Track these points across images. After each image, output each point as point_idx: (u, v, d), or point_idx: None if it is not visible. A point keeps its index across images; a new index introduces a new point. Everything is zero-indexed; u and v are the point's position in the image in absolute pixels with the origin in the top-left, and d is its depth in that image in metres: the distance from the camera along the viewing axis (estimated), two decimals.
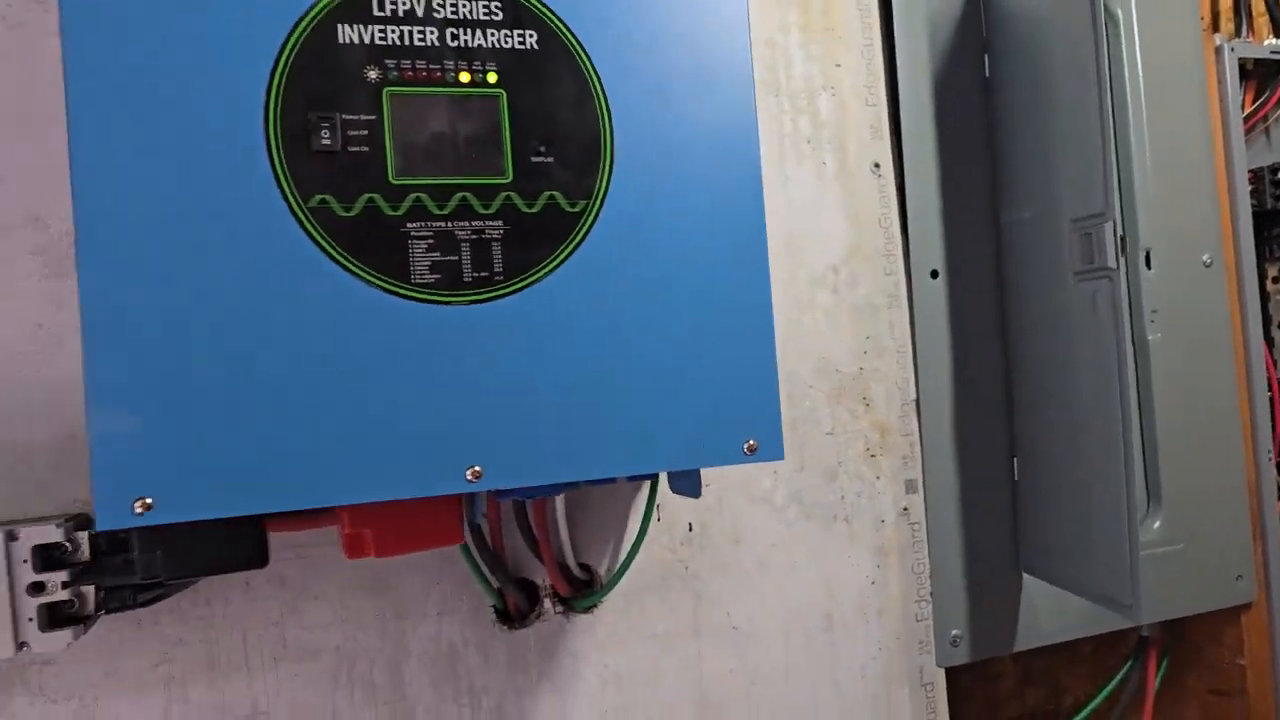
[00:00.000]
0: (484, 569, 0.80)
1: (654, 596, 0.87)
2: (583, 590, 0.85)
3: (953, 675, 1.05)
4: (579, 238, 0.64)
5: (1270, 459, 1.15)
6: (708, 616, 0.89)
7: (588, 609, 0.86)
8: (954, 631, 0.97)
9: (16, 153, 0.74)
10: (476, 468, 0.61)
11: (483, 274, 0.62)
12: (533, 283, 0.63)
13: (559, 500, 0.81)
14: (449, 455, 0.60)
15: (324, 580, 0.79)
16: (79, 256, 0.55)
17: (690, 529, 0.89)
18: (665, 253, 0.65)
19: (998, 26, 1.00)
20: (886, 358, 0.96)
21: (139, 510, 0.56)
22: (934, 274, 0.98)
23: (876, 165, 0.97)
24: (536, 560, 0.83)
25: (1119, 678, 1.15)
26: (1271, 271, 1.26)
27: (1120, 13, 1.10)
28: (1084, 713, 1.16)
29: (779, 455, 0.67)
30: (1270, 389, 1.19)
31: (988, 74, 1.01)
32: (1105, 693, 1.16)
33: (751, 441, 0.66)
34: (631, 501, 0.87)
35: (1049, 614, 1.02)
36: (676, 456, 0.65)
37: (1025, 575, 1.01)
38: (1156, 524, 1.08)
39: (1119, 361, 0.81)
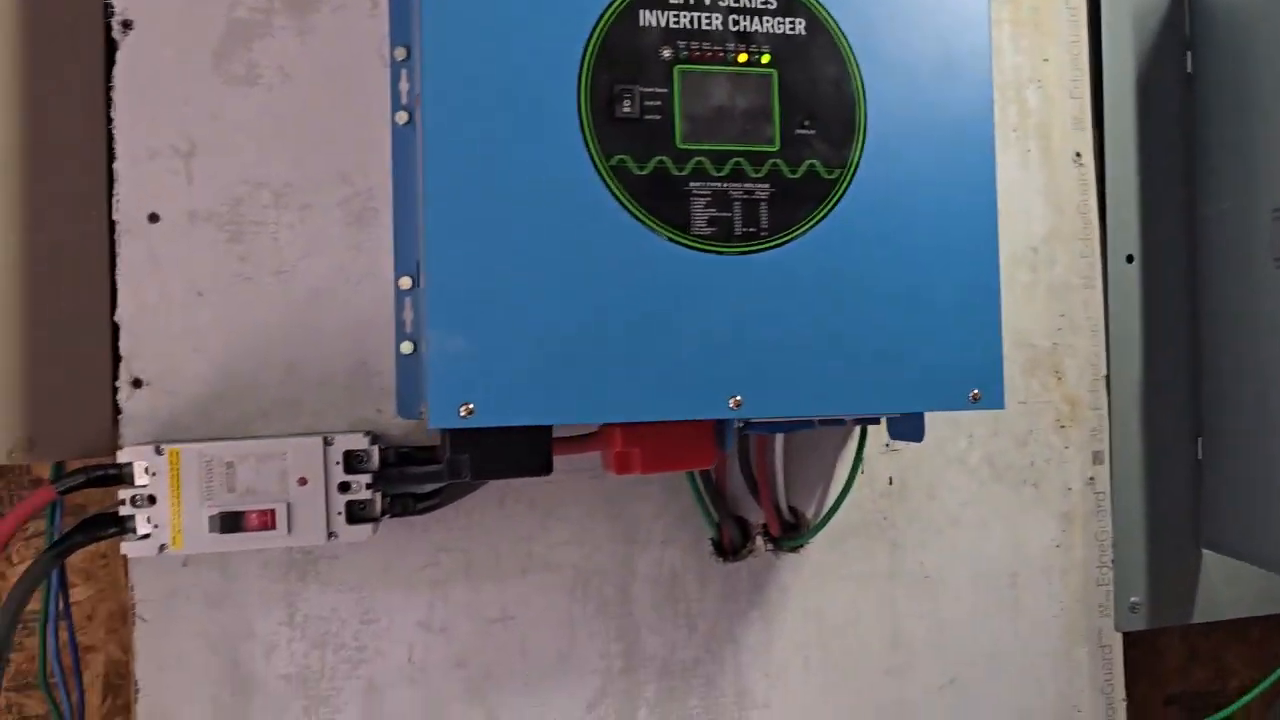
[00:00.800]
0: (707, 503, 0.90)
1: (855, 542, 0.95)
2: (791, 532, 0.94)
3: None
4: (834, 201, 0.72)
5: None
6: (902, 564, 0.96)
7: (795, 549, 0.94)
8: (1133, 598, 1.03)
9: (332, 120, 0.87)
10: (738, 397, 0.70)
11: (751, 229, 0.71)
12: (793, 239, 0.72)
13: (778, 446, 0.90)
14: (716, 384, 0.70)
15: (567, 505, 0.90)
16: (426, 199, 0.67)
17: (890, 482, 0.97)
18: (906, 218, 0.73)
19: (1202, 24, 1.04)
20: (1079, 335, 1.02)
21: (463, 414, 0.67)
22: (1129, 259, 1.03)
23: (1078, 155, 1.03)
24: (753, 500, 0.92)
25: None
26: None
27: None
28: (1250, 696, 1.19)
29: (999, 405, 0.74)
30: None
31: (1189, 69, 1.06)
32: (1273, 678, 1.19)
33: (976, 391, 0.74)
34: (839, 454, 0.95)
35: (1226, 589, 1.06)
36: (910, 399, 0.73)
37: (1205, 551, 1.05)
38: None
39: None
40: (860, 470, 0.96)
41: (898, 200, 0.73)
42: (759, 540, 0.94)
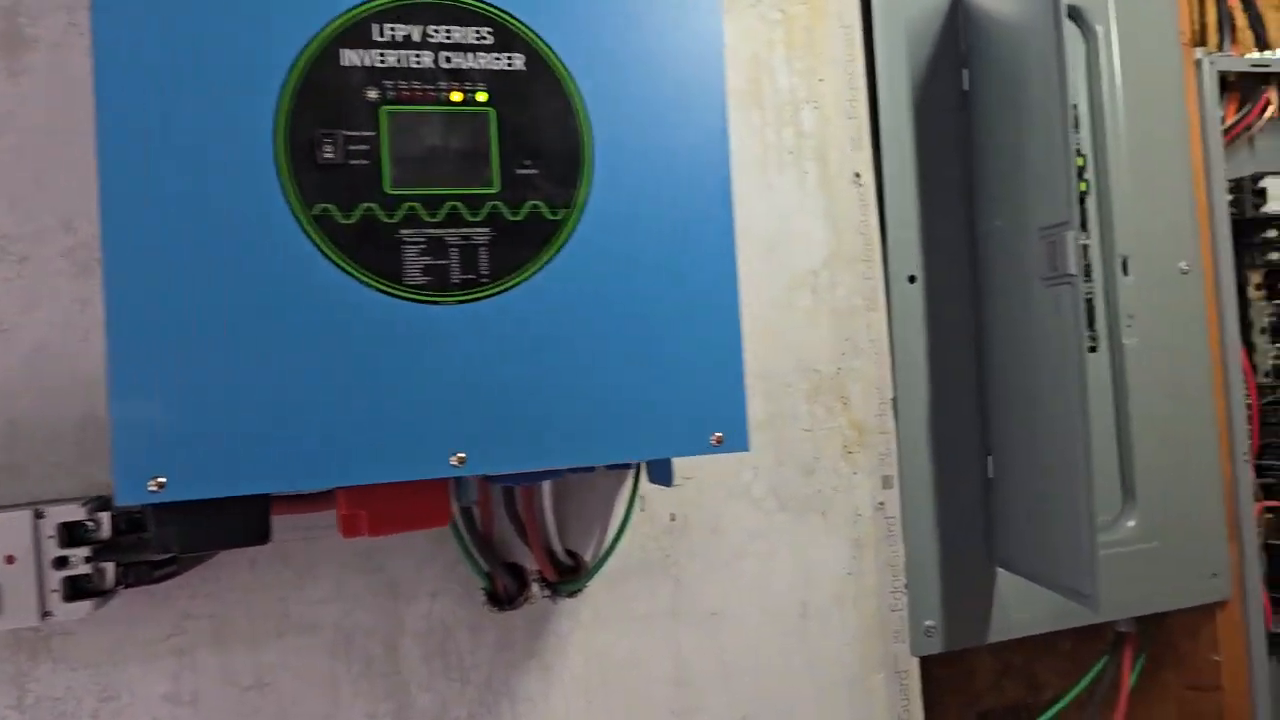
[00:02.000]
0: (474, 552, 0.86)
1: (636, 582, 0.92)
2: (569, 575, 0.91)
3: (931, 667, 1.09)
4: (560, 244, 0.69)
5: (1246, 460, 1.19)
6: (687, 601, 0.94)
7: (574, 593, 0.91)
8: (928, 622, 1.02)
9: (51, 164, 0.80)
10: (460, 454, 0.66)
11: (470, 276, 0.67)
12: (516, 284, 0.68)
13: (546, 488, 0.86)
14: (436, 442, 0.66)
15: (324, 560, 0.85)
16: (105, 257, 0.61)
17: (672, 519, 0.94)
18: (639, 258, 0.70)
19: (975, 41, 1.04)
20: (864, 359, 1.01)
21: (153, 488, 0.61)
22: (911, 279, 1.02)
23: (857, 175, 1.02)
24: (525, 545, 0.88)
25: (1094, 672, 1.19)
26: (1254, 278, 1.29)
27: (1100, 28, 1.14)
28: (1059, 706, 1.21)
29: (744, 447, 0.72)
30: (1247, 392, 1.23)
31: (965, 87, 1.06)
32: (1081, 686, 1.21)
33: (718, 434, 0.71)
34: (616, 492, 0.92)
35: (1021, 607, 1.06)
36: (647, 447, 0.70)
37: (999, 569, 1.05)
38: (1131, 522, 1.12)
39: (1079, 365, 0.85)
40: (640, 508, 0.93)
41: (630, 240, 0.70)
42: (535, 587, 0.90)
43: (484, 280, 0.67)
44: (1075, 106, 1.14)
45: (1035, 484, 0.96)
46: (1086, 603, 0.87)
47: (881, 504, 1.01)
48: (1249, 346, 1.28)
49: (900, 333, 1.02)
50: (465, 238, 0.67)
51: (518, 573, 0.90)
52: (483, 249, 0.67)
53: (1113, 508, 1.13)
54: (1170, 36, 1.18)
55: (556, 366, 0.68)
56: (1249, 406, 1.22)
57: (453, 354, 0.66)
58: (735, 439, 0.71)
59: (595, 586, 0.92)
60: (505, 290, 0.68)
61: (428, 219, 0.67)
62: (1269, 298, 1.30)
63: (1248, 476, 1.19)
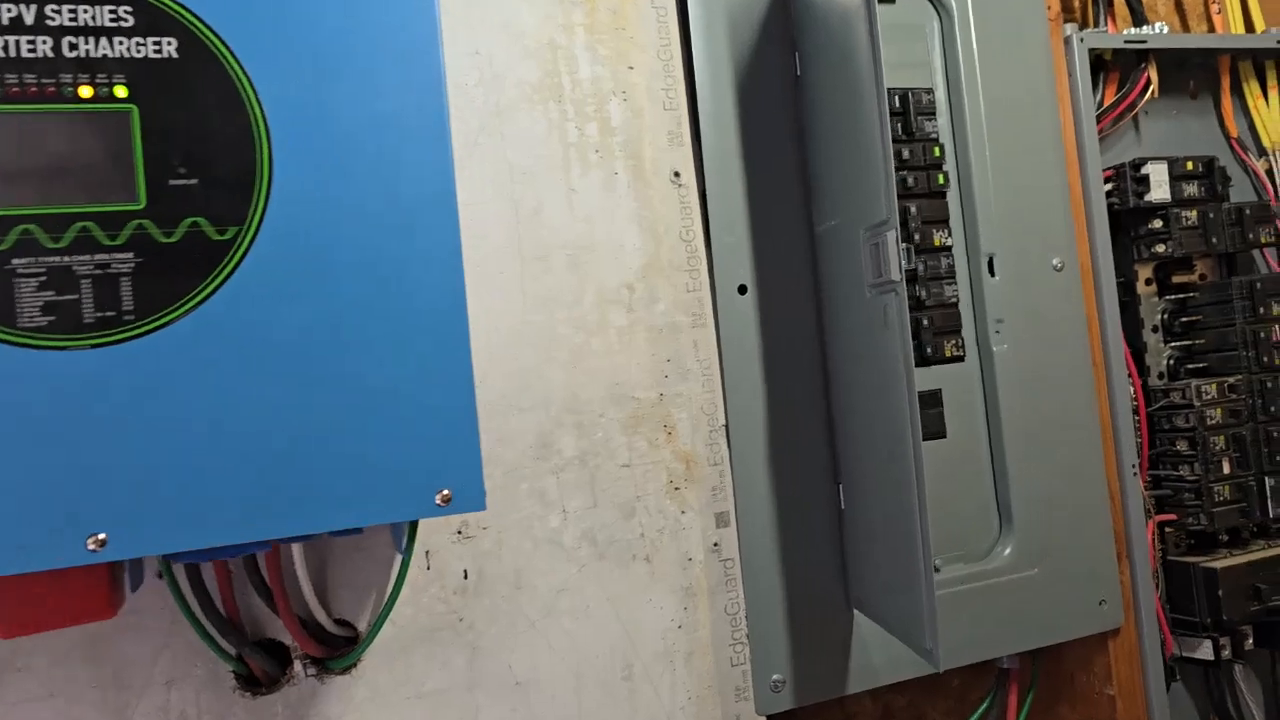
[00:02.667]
0: (214, 634, 0.73)
1: (423, 652, 0.80)
2: (341, 649, 0.78)
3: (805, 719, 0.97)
4: (228, 269, 0.56)
5: (1134, 472, 1.08)
6: (487, 671, 0.81)
7: (345, 669, 0.78)
8: (775, 676, 0.90)
9: None
10: (100, 535, 0.53)
11: (109, 314, 0.54)
12: (170, 321, 0.55)
13: (296, 551, 0.73)
14: (66, 521, 0.53)
15: (31, 652, 0.71)
16: None
17: (465, 576, 0.81)
18: (334, 284, 0.57)
19: (804, 20, 0.93)
20: (690, 381, 0.89)
21: None
22: (742, 289, 0.90)
23: (676, 174, 0.90)
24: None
25: (978, 714, 1.07)
26: (1143, 273, 1.19)
27: (956, 4, 1.03)
28: None
29: (479, 505, 0.59)
30: (1134, 396, 1.12)
31: (798, 72, 0.94)
32: None
33: (445, 491, 0.59)
34: (395, 549, 0.79)
35: (884, 649, 0.94)
36: (350, 512, 0.57)
37: (857, 612, 0.93)
38: (1008, 550, 1.01)
39: (906, 383, 0.74)
40: (425, 565, 0.80)
41: (322, 263, 0.57)
42: (299, 665, 0.77)
43: (127, 318, 0.54)
44: (930, 92, 1.03)
45: (875, 521, 0.84)
46: (928, 658, 0.75)
47: (716, 545, 0.89)
48: (1140, 347, 1.17)
49: (731, 351, 0.90)
50: (101, 266, 0.54)
51: (277, 650, 0.77)
52: (125, 279, 0.54)
53: (989, 534, 1.02)
54: (1036, 12, 1.07)
55: (223, 420, 0.55)
56: (1136, 412, 1.12)
57: (85, 411, 0.53)
58: (468, 496, 0.59)
59: (372, 660, 0.78)
60: (156, 329, 0.55)
61: (49, 245, 0.53)
62: (1160, 293, 1.20)
63: (1137, 489, 1.08)
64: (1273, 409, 1.13)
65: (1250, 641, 1.16)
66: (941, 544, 1.00)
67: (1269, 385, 1.13)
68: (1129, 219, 1.17)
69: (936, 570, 0.99)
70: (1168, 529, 1.16)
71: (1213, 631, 1.12)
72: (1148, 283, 1.19)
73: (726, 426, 0.90)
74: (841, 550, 0.94)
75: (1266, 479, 1.13)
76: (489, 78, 0.84)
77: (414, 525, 0.76)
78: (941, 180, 1.02)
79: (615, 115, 0.89)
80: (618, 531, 0.86)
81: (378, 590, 0.79)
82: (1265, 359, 1.13)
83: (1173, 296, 1.19)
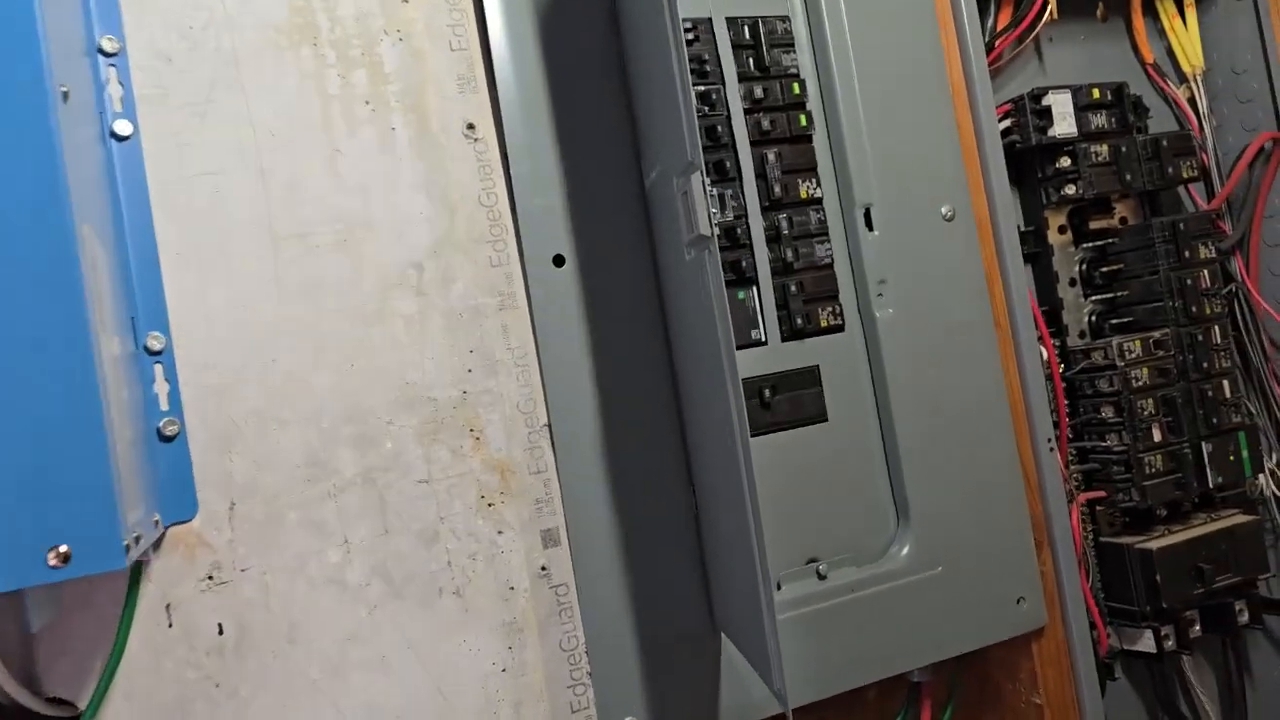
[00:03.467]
0: None
1: None
2: None
3: None
4: None
5: (1051, 448, 0.94)
6: None
7: None
8: (627, 719, 0.75)
9: None
10: None
11: None
12: None
13: None
14: None
15: None
16: None
17: (221, 632, 0.66)
18: None
19: None
20: (501, 375, 0.74)
21: None
22: (558, 260, 0.75)
23: (471, 127, 0.75)
24: None
25: None
26: (1055, 220, 1.04)
27: None
28: None
29: (117, 563, 0.43)
30: (1048, 361, 0.98)
31: None
32: None
33: (62, 548, 0.43)
34: (122, 605, 0.63)
35: (758, 679, 0.79)
36: None
37: (724, 635, 0.79)
38: (906, 548, 0.86)
39: (726, 362, 0.59)
40: (169, 624, 0.64)
41: None
42: None
43: None
44: (787, 20, 0.87)
45: (722, 530, 0.69)
46: (779, 699, 0.60)
47: (545, 569, 0.73)
48: (1055, 303, 1.03)
49: (550, 335, 0.74)
50: None
51: None
52: None
53: (883, 531, 0.87)
54: None
55: None
56: (1050, 378, 0.97)
57: None
58: (98, 550, 0.43)
59: None
60: None
61: None
62: (1076, 242, 1.06)
63: (1055, 467, 0.94)
64: (1205, 365, 0.99)
65: (1197, 627, 1.02)
66: (827, 546, 0.85)
67: (1199, 338, 0.99)
68: (1034, 158, 1.02)
69: (822, 577, 0.84)
70: (1098, 507, 1.02)
71: (1153, 620, 0.99)
72: (1061, 230, 1.05)
73: (549, 426, 0.75)
74: (702, 563, 0.79)
75: (1204, 445, 0.99)
76: (220, 19, 0.69)
77: (136, 570, 0.61)
78: (804, 122, 0.87)
79: (389, 59, 0.73)
80: (418, 562, 0.71)
81: (104, 658, 0.64)
82: (1194, 309, 1.00)
83: (1090, 244, 1.05)
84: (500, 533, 0.73)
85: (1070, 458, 1.01)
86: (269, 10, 0.70)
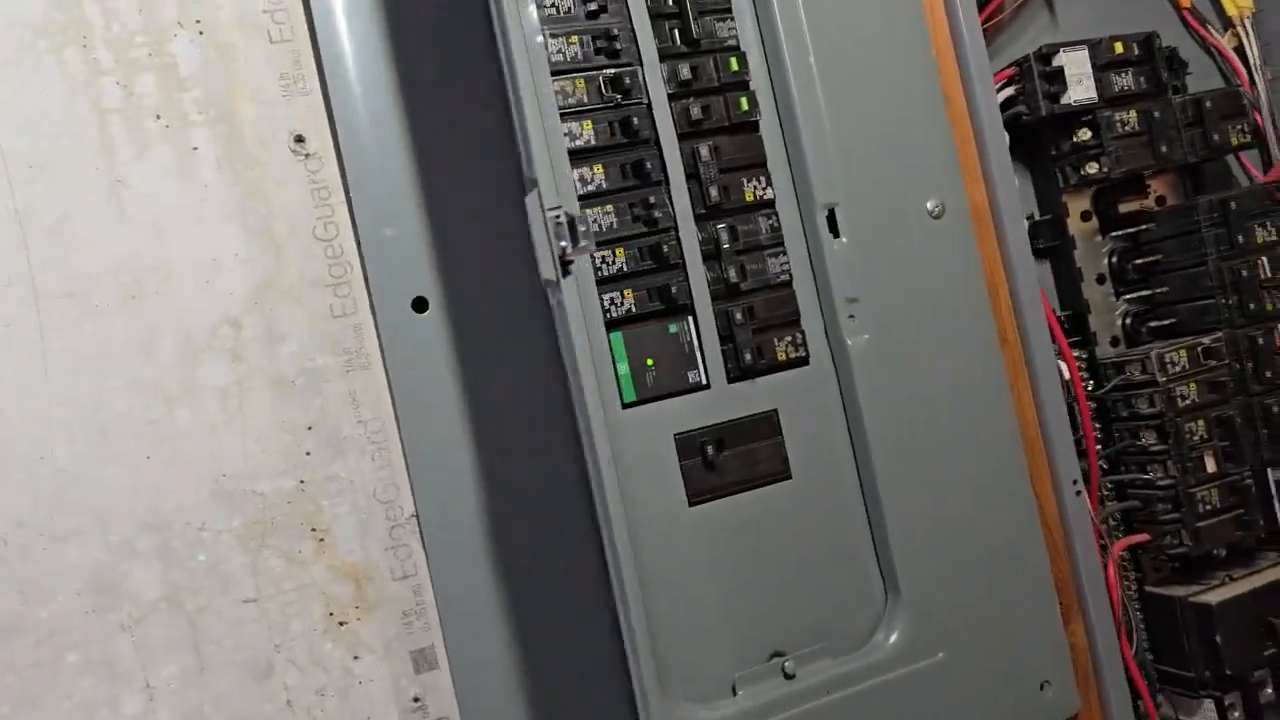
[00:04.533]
0: None
1: None
2: None
3: None
4: None
5: (1078, 491, 0.76)
6: None
7: None
8: None
9: None
10: None
11: None
12: None
13: None
14: None
15: None
16: None
17: None
18: None
19: None
20: (351, 455, 0.57)
21: None
22: (420, 305, 0.58)
23: (300, 139, 0.58)
24: None
25: None
26: (1076, 205, 0.86)
27: None
28: None
29: None
30: (1071, 382, 0.79)
31: None
32: None
33: None
34: None
35: None
36: None
37: None
38: (896, 634, 0.69)
39: (588, 435, 0.42)
40: None
41: None
42: None
43: None
44: None
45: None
46: None
47: (418, 701, 0.57)
48: (1080, 307, 0.85)
49: (413, 401, 0.58)
50: None
51: None
52: None
53: (868, 612, 0.70)
54: None
55: None
56: (1073, 403, 0.79)
57: None
58: None
59: None
60: None
61: None
62: (1104, 230, 0.87)
63: (1084, 515, 0.76)
64: (1269, 374, 0.80)
65: (1270, 690, 0.83)
66: (795, 635, 0.69)
67: (1260, 342, 0.80)
68: (1046, 133, 0.84)
69: (789, 676, 0.67)
70: (1141, 552, 0.84)
71: (1213, 689, 0.80)
72: (1085, 217, 0.86)
73: (417, 517, 0.58)
74: (628, 676, 0.62)
75: (1270, 473, 0.80)
76: None
77: None
78: (745, 106, 0.69)
79: (186, 58, 0.57)
80: (247, 705, 0.55)
81: None
82: (1251, 306, 0.80)
83: (1121, 233, 0.86)
84: (357, 658, 0.57)
85: (1106, 494, 0.83)
86: (18, 4, 0.54)
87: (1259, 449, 0.81)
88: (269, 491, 0.57)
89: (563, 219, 0.40)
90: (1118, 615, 0.77)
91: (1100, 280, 0.86)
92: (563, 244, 0.40)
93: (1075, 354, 0.84)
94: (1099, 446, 0.82)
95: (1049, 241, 0.85)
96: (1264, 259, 0.82)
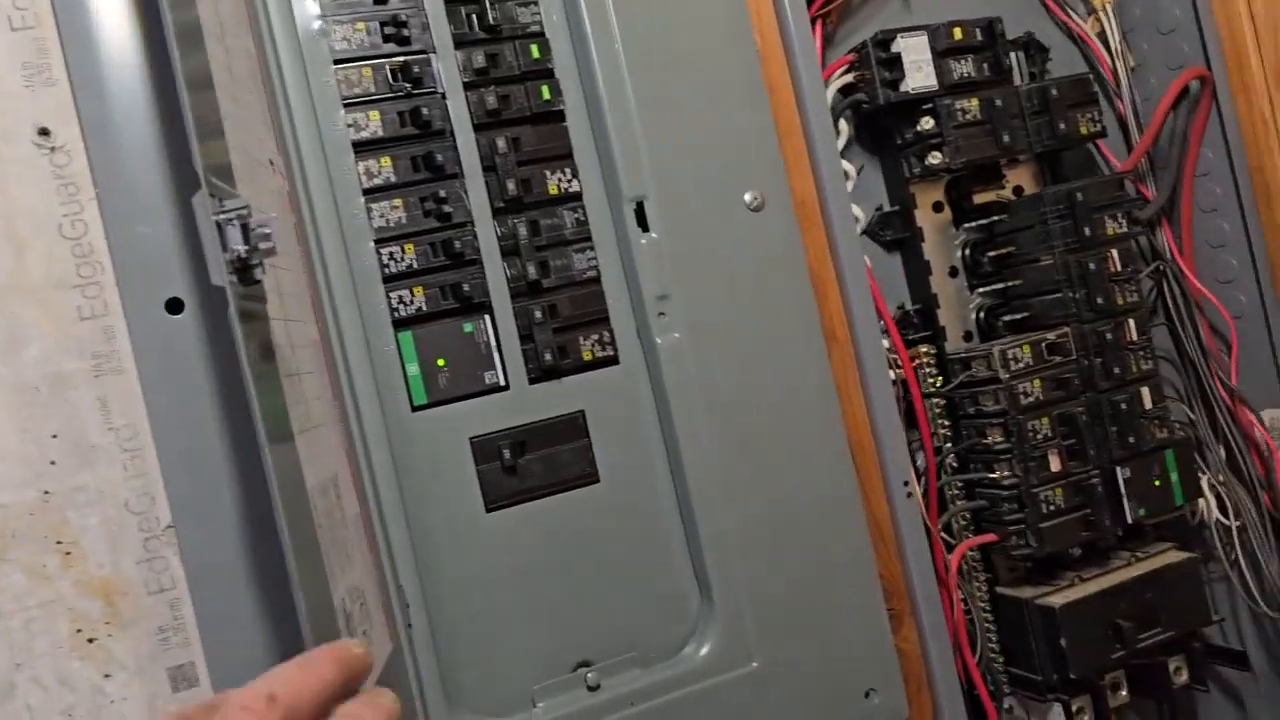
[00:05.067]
0: None
1: None
2: None
3: None
4: None
5: (909, 493, 0.74)
6: None
7: None
8: None
9: None
10: None
11: None
12: None
13: None
14: None
15: None
16: None
17: None
18: None
19: None
20: (100, 463, 0.55)
21: None
22: (175, 306, 0.56)
23: (44, 133, 0.55)
24: None
25: None
26: (926, 197, 0.84)
27: None
28: None
29: None
30: (905, 379, 0.77)
31: None
32: None
33: None
34: None
35: None
36: None
37: None
38: (708, 644, 0.67)
39: (268, 457, 0.39)
40: None
41: None
42: None
43: None
44: None
45: None
46: None
47: None
48: (929, 300, 0.82)
49: (168, 406, 0.55)
50: None
51: None
52: None
53: (681, 620, 0.68)
54: None
55: None
56: (905, 397, 0.77)
57: None
58: None
59: None
60: None
61: None
62: (958, 221, 0.84)
63: (915, 517, 0.74)
64: (1117, 370, 0.78)
65: (1124, 692, 0.82)
66: (602, 645, 0.66)
67: (1108, 336, 0.78)
68: (893, 122, 0.81)
69: (593, 688, 0.65)
70: (994, 552, 0.82)
71: (1060, 692, 0.78)
72: (936, 208, 0.84)
73: (174, 527, 0.55)
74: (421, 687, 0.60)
75: (1119, 470, 0.78)
76: None
77: None
78: (548, 94, 0.66)
79: None
80: None
81: None
82: (1099, 300, 0.78)
83: (974, 224, 0.84)
84: (108, 676, 0.55)
85: (955, 494, 0.81)
86: None
87: (1108, 446, 0.79)
88: (9, 503, 0.54)
89: (236, 220, 0.37)
90: (957, 616, 0.75)
91: (953, 273, 0.84)
92: (239, 248, 0.37)
93: (925, 349, 0.81)
94: (948, 444, 0.80)
95: (899, 233, 0.83)
96: (1113, 252, 0.80)
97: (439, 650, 0.61)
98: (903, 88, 0.77)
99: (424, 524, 0.62)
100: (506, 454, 0.64)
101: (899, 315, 0.82)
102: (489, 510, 0.64)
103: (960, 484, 0.81)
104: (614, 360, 0.67)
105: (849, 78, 0.78)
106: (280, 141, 0.56)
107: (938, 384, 0.81)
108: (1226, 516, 0.84)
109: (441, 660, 0.61)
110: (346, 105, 0.62)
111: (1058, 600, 0.77)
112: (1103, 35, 0.89)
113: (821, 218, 0.72)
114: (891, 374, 0.75)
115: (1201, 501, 0.85)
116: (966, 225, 0.84)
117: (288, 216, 0.53)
